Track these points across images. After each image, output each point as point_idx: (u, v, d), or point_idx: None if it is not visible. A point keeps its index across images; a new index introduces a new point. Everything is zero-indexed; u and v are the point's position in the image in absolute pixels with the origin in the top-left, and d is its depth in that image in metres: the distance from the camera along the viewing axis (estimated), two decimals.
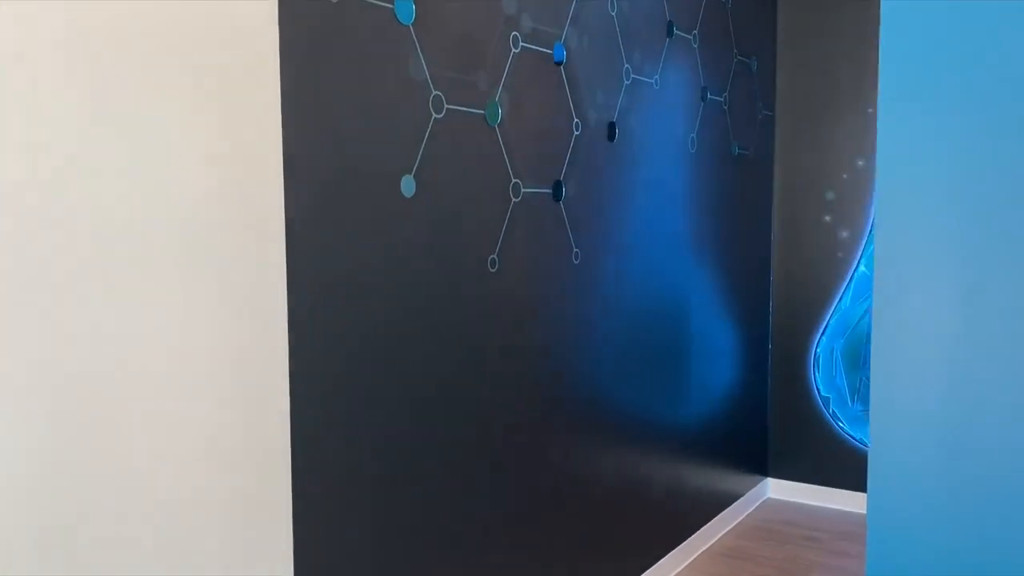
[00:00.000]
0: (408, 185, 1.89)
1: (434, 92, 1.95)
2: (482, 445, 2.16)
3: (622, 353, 2.79)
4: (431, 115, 1.95)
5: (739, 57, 3.57)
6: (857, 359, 3.76)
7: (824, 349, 3.84)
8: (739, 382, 3.71)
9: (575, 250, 2.52)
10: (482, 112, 2.11)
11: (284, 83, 1.59)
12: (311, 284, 1.67)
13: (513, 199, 2.24)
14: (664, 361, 3.08)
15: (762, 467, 3.99)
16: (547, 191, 2.38)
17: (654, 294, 3.00)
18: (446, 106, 1.99)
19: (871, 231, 3.70)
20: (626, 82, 2.75)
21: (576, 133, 2.50)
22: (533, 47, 2.30)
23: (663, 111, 3.01)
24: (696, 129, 3.23)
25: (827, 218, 3.82)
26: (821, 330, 3.84)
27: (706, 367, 3.41)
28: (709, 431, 3.46)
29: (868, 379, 3.72)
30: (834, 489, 3.86)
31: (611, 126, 2.67)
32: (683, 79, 3.13)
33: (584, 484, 2.61)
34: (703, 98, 3.28)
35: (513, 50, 2.21)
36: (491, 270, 2.16)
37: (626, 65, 2.74)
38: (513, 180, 2.24)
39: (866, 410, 3.74)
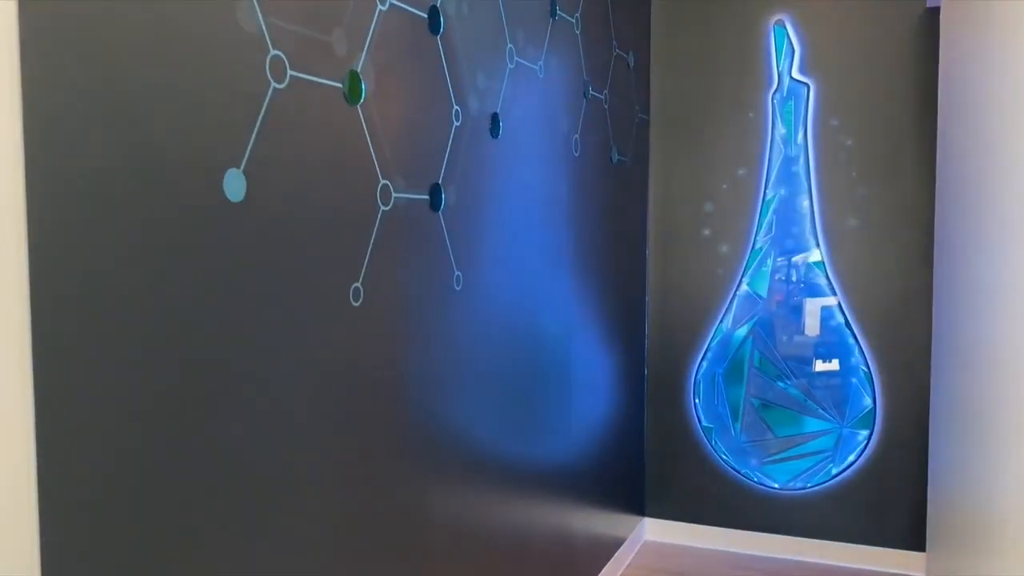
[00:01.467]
0: (234, 184, 1.27)
1: (272, 52, 1.35)
2: (338, 502, 1.57)
3: (501, 387, 2.27)
4: (269, 84, 1.34)
5: (618, 51, 3.17)
6: (741, 385, 3.45)
7: (705, 375, 3.51)
8: (617, 412, 3.30)
9: (456, 273, 1.98)
10: (340, 86, 1.53)
11: (24, 33, 0.95)
12: (69, 325, 1.03)
13: (382, 207, 1.67)
14: (544, 392, 2.60)
15: (638, 506, 3.61)
16: (423, 198, 1.83)
17: (534, 318, 2.51)
18: (290, 73, 1.39)
19: (753, 246, 3.41)
20: (510, 65, 2.24)
21: (456, 124, 1.97)
22: (404, 7, 1.74)
23: (547, 105, 2.53)
24: (579, 130, 2.78)
25: (706, 232, 3.50)
26: (701, 354, 3.51)
27: (587, 397, 2.97)
28: (590, 468, 3.02)
29: (752, 407, 3.47)
30: (716, 528, 3.53)
31: (494, 118, 2.16)
32: (566, 69, 2.67)
33: (461, 535, 2.07)
34: (585, 94, 2.84)
35: (380, 7, 1.64)
36: (354, 304, 1.58)
37: (509, 45, 2.24)
38: (382, 181, 1.67)
39: (751, 441, 3.44)
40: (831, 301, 3.31)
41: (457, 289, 1.99)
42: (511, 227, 2.30)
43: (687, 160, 3.52)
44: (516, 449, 2.40)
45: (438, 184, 1.88)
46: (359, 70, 1.58)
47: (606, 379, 3.19)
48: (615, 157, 3.15)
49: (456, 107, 1.96)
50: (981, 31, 2.34)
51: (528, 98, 2.38)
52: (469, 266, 2.04)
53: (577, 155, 2.76)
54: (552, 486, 2.67)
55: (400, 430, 1.77)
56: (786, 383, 3.39)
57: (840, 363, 3.31)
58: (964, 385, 2.45)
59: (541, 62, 2.45)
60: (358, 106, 1.58)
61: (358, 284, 1.59)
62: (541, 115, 2.49)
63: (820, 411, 3.34)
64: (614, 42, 3.12)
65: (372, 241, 1.63)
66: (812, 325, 3.32)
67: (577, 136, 2.76)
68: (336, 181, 1.52)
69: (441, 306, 1.92)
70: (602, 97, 3.00)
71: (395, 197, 1.71)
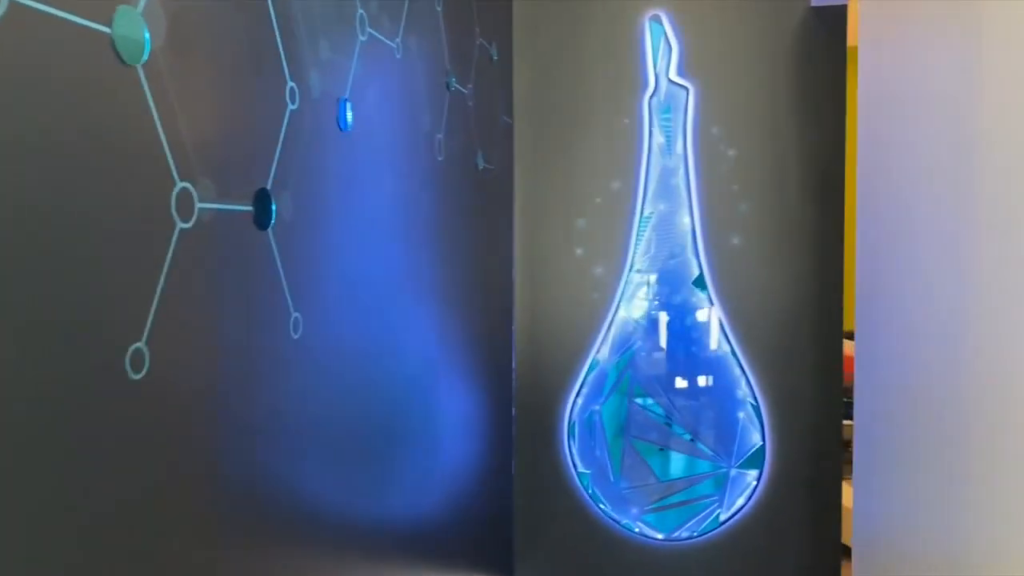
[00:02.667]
0: None
1: None
2: None
3: (351, 445, 1.73)
4: None
5: (481, 40, 2.70)
6: (621, 424, 3.06)
7: (581, 414, 3.09)
8: (482, 460, 2.81)
9: (294, 315, 1.42)
10: (107, 29, 0.95)
11: None
12: None
13: (180, 223, 1.09)
14: (403, 443, 2.08)
15: (506, 565, 3.13)
16: (244, 210, 1.26)
17: (391, 359, 1.98)
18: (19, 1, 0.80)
19: (630, 267, 3.04)
20: (361, 38, 1.71)
21: (292, 107, 1.41)
22: None
23: (407, 95, 2.02)
24: (443, 129, 2.28)
25: (579, 251, 3.09)
26: (575, 390, 3.09)
27: (450, 444, 2.47)
28: (452, 525, 2.51)
29: (633, 448, 3.09)
30: None
31: (343, 105, 1.62)
32: (427, 54, 2.17)
33: None
34: (448, 86, 2.34)
35: None
36: (132, 376, 1.00)
37: (360, 10, 1.71)
38: (179, 184, 1.09)
39: (633, 487, 3.06)
40: (703, 315, 2.99)
41: (295, 337, 1.43)
42: (365, 248, 1.76)
43: (556, 171, 3.10)
44: (369, 510, 1.86)
45: (266, 190, 1.32)
46: (140, 11, 1.00)
47: (470, 422, 2.70)
48: (481, 164, 2.68)
49: (291, 84, 1.41)
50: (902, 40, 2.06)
51: (384, 83, 1.86)
52: (312, 303, 1.49)
53: (441, 159, 2.26)
54: (409, 547, 2.14)
55: (212, 523, 1.19)
56: (669, 420, 3.03)
57: (726, 396, 2.99)
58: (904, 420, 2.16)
59: (399, 39, 1.94)
60: (139, 66, 1.01)
61: (140, 345, 1.01)
62: (401, 106, 1.97)
63: (706, 450, 3.01)
64: (477, 28, 2.65)
65: (163, 276, 1.05)
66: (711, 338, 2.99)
67: (441, 136, 2.26)
68: (101, 178, 0.94)
69: (273, 362, 1.36)
70: (466, 92, 2.52)
71: (200, 208, 1.13)
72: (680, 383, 3.03)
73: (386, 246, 1.90)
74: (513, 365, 3.13)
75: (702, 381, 3.02)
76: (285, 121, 1.39)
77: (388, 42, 1.87)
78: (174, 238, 1.07)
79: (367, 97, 1.74)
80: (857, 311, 2.32)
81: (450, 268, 2.40)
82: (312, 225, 1.49)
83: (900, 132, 2.04)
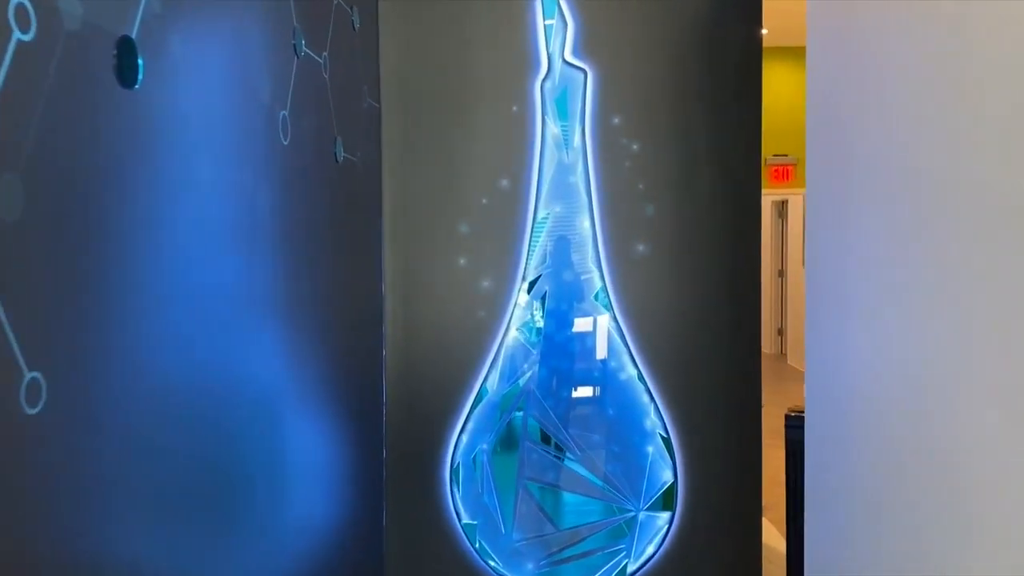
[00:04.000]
0: None
1: None
2: None
3: (170, 497, 1.19)
4: None
5: (339, 0, 2.18)
6: (512, 465, 2.60)
7: (466, 454, 2.61)
8: (345, 511, 2.28)
9: (28, 376, 0.87)
10: None
11: None
12: None
13: None
14: (241, 496, 1.54)
15: None
16: None
17: (221, 397, 1.44)
18: None
19: (523, 279, 2.60)
20: None
21: (21, 37, 0.86)
22: None
23: (237, 48, 1.48)
24: (289, 104, 1.75)
25: (461, 261, 2.62)
26: (460, 425, 2.61)
27: (305, 494, 1.94)
28: None
29: (528, 493, 2.62)
30: None
31: (127, 48, 1.07)
32: (267, 2, 1.63)
33: None
34: (296, 50, 1.81)
35: None
36: None
37: None
38: None
39: (527, 538, 2.61)
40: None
41: (32, 413, 0.88)
42: (174, 256, 1.22)
43: (433, 166, 2.61)
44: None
45: None
46: None
47: (330, 466, 2.17)
48: (340, 154, 2.15)
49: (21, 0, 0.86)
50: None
51: (201, 27, 1.32)
52: (62, 356, 0.93)
53: (287, 143, 1.73)
54: None
55: None
56: (569, 458, 2.60)
57: (633, 428, 2.59)
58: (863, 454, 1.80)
59: None
60: None
61: None
62: (227, 64, 1.43)
63: (612, 491, 2.60)
64: None
65: None
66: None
67: (286, 114, 1.72)
68: None
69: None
70: (321, 61, 1.99)
71: None
72: (581, 413, 2.61)
73: (207, 253, 1.36)
74: (383, 397, 2.61)
75: (606, 411, 2.60)
76: (7, 59, 0.84)
77: None
78: None
79: (171, 43, 1.20)
80: (808, 329, 1.96)
81: (299, 281, 1.87)
82: (66, 226, 0.94)
83: (852, 143, 1.69)
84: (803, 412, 2.74)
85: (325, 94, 2.03)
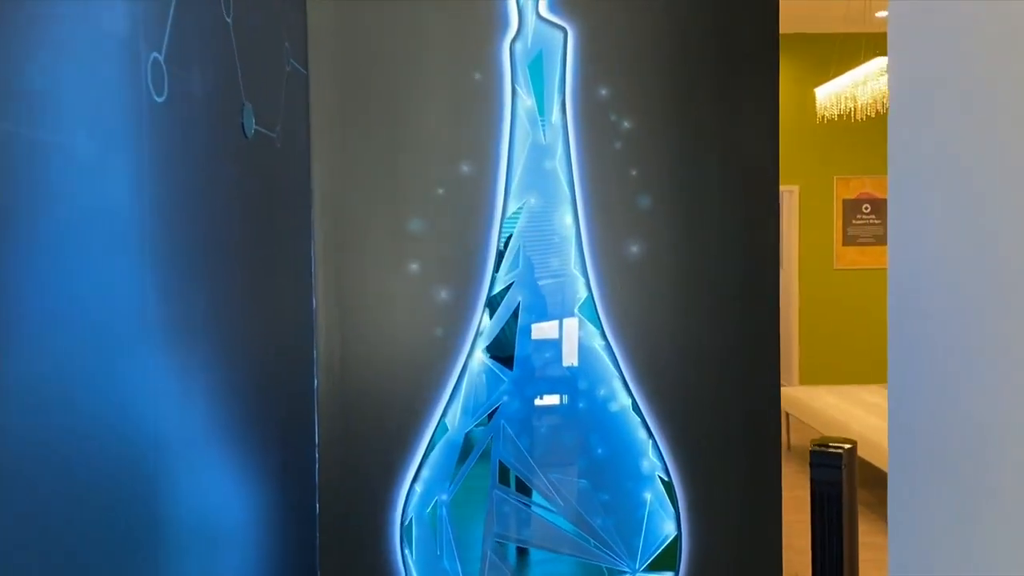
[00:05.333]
0: None
1: None
2: None
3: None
4: None
5: None
6: (479, 520, 2.09)
7: (420, 508, 2.09)
8: None
9: None
10: None
11: None
12: None
13: None
14: (124, 560, 1.01)
15: None
16: None
17: (85, 440, 0.92)
18: None
19: (490, 289, 2.09)
20: None
21: None
22: None
23: None
24: (166, 45, 1.21)
25: (413, 266, 2.10)
26: (412, 473, 2.09)
27: (207, 561, 1.40)
28: None
29: (498, 554, 2.11)
30: None
31: None
32: None
33: None
34: None
35: None
36: None
37: None
38: None
39: None
40: (595, 356, 2.10)
41: None
42: None
43: (376, 147, 2.09)
44: None
45: None
46: None
47: (245, 524, 1.63)
48: (251, 125, 1.61)
49: None
50: None
51: None
52: None
53: (162, 100, 1.19)
54: None
55: None
56: (549, 508, 2.10)
57: (627, 471, 2.11)
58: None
59: None
60: None
61: None
62: None
63: (601, 549, 2.10)
64: None
65: None
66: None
67: (160, 58, 1.18)
68: None
69: None
70: (222, 3, 1.45)
71: None
72: (564, 453, 2.12)
73: (32, 263, 0.83)
74: (315, 439, 2.08)
75: (595, 451, 2.11)
76: None
77: None
78: None
79: None
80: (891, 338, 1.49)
81: (191, 296, 1.34)
82: None
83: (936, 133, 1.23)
84: (832, 445, 2.29)
85: (228, 44, 1.49)
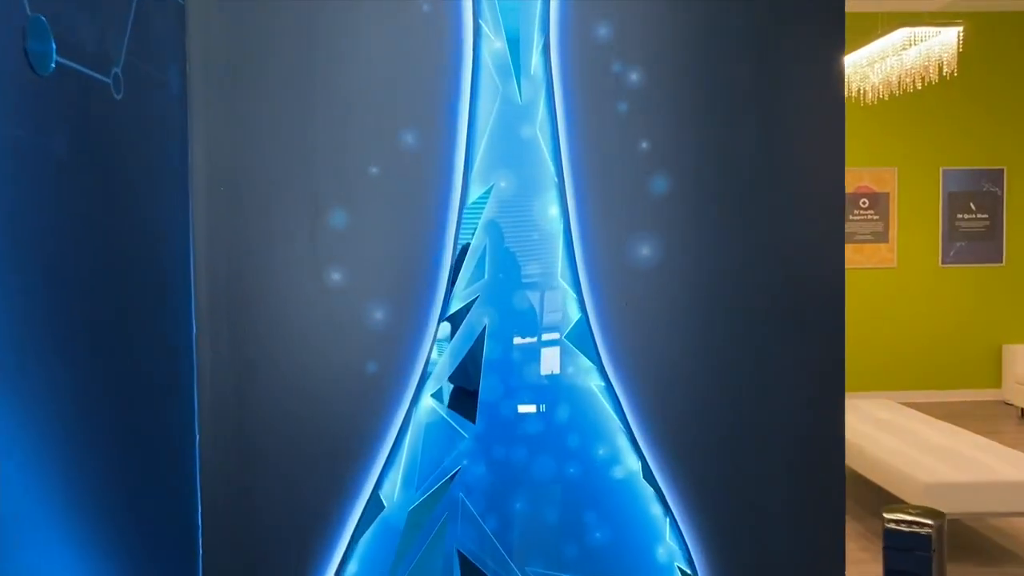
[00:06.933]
0: None
1: None
2: None
3: None
4: None
5: None
6: None
7: None
8: None
9: None
10: None
11: None
12: None
13: None
14: None
15: None
16: None
17: None
18: None
19: (444, 307, 1.49)
20: None
21: None
22: None
23: None
24: None
25: (335, 275, 1.49)
26: (332, 569, 1.48)
27: None
28: None
29: None
30: None
31: None
32: None
33: None
34: None
35: None
36: None
37: None
38: None
39: None
40: (591, 399, 1.51)
41: None
42: None
43: (282, 108, 1.48)
44: None
45: None
46: None
47: None
48: (45, 53, 0.99)
49: None
50: None
51: None
52: None
53: None
54: None
55: None
56: None
57: (635, 556, 1.52)
58: None
59: None
60: None
61: None
62: None
63: None
64: None
65: None
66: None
67: None
68: None
69: None
70: None
71: None
72: (547, 537, 1.52)
73: None
74: (198, 521, 1.46)
75: (591, 534, 1.52)
76: None
77: None
78: None
79: None
80: None
81: (29, 315, 0.73)
82: None
83: None
84: (911, 515, 1.71)
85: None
